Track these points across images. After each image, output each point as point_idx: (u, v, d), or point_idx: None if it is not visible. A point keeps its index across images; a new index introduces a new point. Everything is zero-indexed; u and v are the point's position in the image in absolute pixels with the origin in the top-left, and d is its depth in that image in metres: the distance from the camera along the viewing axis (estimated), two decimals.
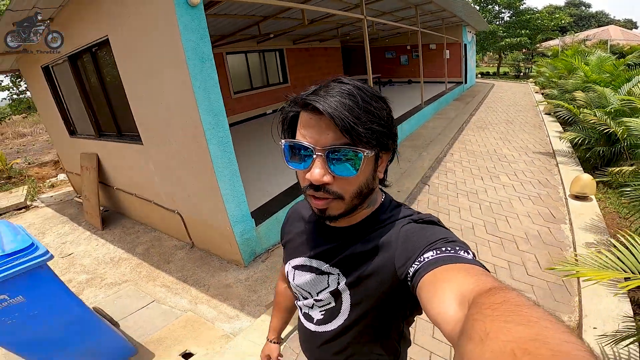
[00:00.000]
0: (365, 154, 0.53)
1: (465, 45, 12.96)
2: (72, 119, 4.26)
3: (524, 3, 19.88)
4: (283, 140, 0.58)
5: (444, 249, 0.51)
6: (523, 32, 19.15)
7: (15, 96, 10.39)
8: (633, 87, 4.86)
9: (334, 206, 0.58)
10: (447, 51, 11.28)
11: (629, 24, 34.45)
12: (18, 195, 5.83)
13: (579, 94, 5.84)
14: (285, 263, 0.81)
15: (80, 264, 3.48)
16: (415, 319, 0.74)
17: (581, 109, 5.17)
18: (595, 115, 4.42)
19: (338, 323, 0.69)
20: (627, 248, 1.61)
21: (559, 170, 4.47)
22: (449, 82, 11.63)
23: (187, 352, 2.25)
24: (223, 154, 2.49)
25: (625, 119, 3.73)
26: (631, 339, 1.61)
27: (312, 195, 0.57)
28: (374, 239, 0.63)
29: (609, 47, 12.39)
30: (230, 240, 2.80)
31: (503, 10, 21.07)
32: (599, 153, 4.47)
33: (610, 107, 4.58)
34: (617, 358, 1.68)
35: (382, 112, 0.56)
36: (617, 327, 1.84)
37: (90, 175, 4.07)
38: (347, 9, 6.41)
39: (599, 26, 24.27)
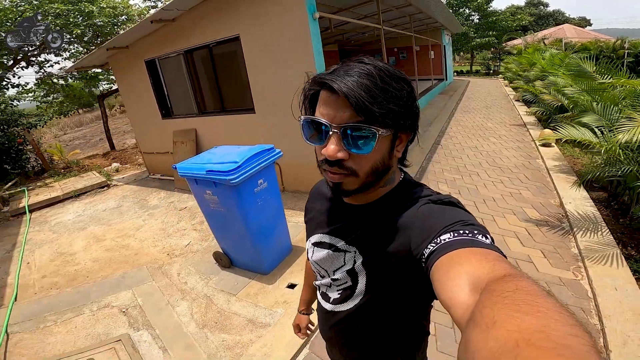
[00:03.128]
0: (379, 133, 0.54)
1: (444, 46, 14.85)
2: (170, 103, 5.43)
3: (491, 6, 22.39)
4: (302, 117, 0.62)
5: (461, 231, 0.50)
6: (491, 33, 21.58)
7: (42, 99, 10.91)
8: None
9: (348, 181, 0.60)
10: (432, 52, 13.03)
11: (583, 22, 37.82)
12: (92, 178, 6.81)
13: (538, 82, 7.70)
14: (307, 240, 0.83)
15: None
16: (432, 312, 0.74)
17: (540, 90, 6.94)
18: (550, 94, 6.13)
19: (353, 303, 0.69)
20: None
21: (529, 133, 6.15)
22: (432, 79, 13.42)
23: None
24: None
25: (566, 90, 5.42)
26: (578, 183, 3.12)
27: (328, 170, 0.60)
28: (392, 219, 0.62)
29: (563, 44, 14.49)
30: None
31: (472, 13, 23.49)
32: (554, 119, 6.18)
33: (560, 87, 6.32)
34: (585, 216, 3.09)
35: (402, 93, 0.56)
36: (580, 204, 3.29)
37: (187, 146, 5.24)
38: (359, 18, 7.90)
39: (557, 24, 26.48)
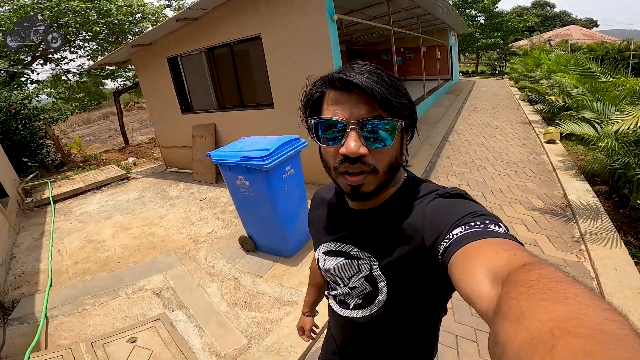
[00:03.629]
0: (398, 124, 0.57)
1: (450, 47, 15.00)
2: (190, 98, 5.68)
3: (497, 7, 22.49)
4: (312, 119, 0.60)
5: (473, 223, 0.50)
6: (497, 33, 21.68)
7: (59, 95, 11.18)
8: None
9: (368, 181, 0.59)
10: (439, 52, 13.19)
11: (590, 23, 37.55)
12: (112, 170, 7.07)
13: (544, 82, 7.88)
14: (315, 249, 0.81)
15: (222, 202, 4.85)
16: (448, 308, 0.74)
17: (545, 90, 7.14)
18: (555, 94, 6.33)
19: (375, 308, 0.68)
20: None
21: (534, 130, 6.35)
22: (439, 79, 13.60)
23: None
24: None
25: (571, 90, 5.62)
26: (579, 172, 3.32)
27: (346, 172, 0.59)
28: (402, 219, 0.61)
29: (569, 45, 14.58)
30: None
31: (479, 14, 23.61)
32: (558, 118, 6.37)
33: (565, 88, 6.52)
34: (587, 206, 3.31)
35: (405, 90, 0.60)
36: (583, 195, 3.50)
37: (206, 140, 5.49)
38: (369, 19, 8.13)
39: (563, 25, 26.39)
